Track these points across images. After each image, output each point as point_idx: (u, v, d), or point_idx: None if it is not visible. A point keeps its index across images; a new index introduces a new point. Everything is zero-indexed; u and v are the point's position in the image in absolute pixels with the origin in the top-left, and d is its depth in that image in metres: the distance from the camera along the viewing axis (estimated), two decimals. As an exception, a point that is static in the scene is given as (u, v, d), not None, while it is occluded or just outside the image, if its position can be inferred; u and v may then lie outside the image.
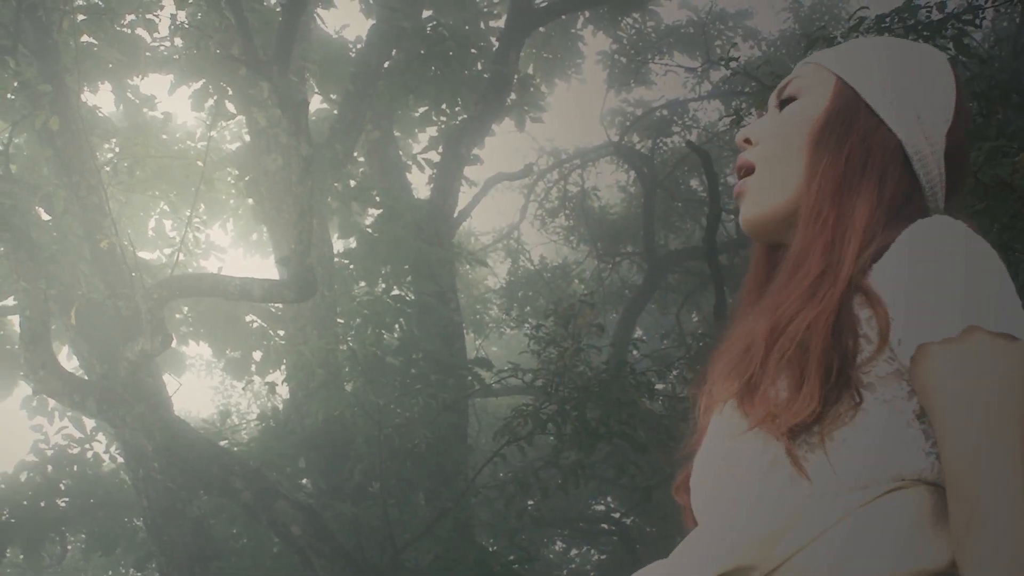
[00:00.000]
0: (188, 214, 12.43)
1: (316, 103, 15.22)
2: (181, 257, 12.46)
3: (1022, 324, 1.51)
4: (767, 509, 1.56)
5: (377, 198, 13.47)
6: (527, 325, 12.92)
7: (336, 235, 13.60)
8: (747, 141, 1.84)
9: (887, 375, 1.57)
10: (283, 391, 12.93)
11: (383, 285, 13.26)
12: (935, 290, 1.53)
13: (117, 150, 13.35)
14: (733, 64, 7.48)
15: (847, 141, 1.73)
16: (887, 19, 7.17)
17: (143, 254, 14.08)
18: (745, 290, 1.90)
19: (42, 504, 13.00)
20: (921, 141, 1.76)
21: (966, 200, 5.57)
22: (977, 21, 7.32)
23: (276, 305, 12.58)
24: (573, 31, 17.16)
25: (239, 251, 18.47)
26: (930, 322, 1.52)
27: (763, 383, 1.59)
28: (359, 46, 14.61)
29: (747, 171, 1.82)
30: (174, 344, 11.28)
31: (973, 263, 1.55)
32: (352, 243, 13.62)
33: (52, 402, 12.51)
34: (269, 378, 12.73)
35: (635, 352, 13.60)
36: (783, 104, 1.84)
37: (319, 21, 14.78)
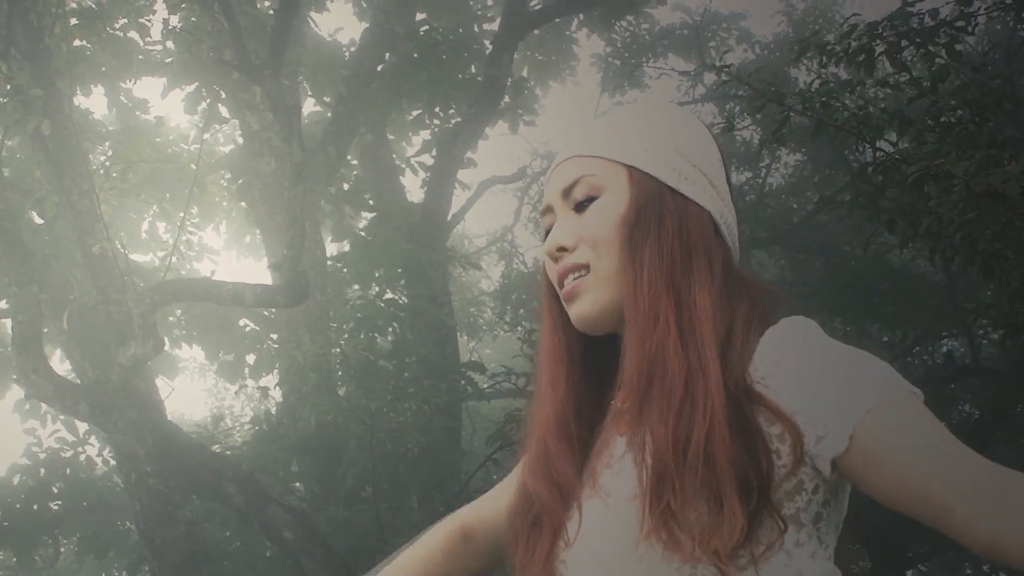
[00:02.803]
0: (181, 217, 12.42)
1: (309, 106, 15.23)
2: (174, 260, 12.45)
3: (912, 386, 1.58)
4: None
5: (370, 201, 13.46)
6: (520, 328, 12.91)
7: (329, 238, 13.59)
8: (562, 249, 1.76)
9: (791, 488, 1.58)
10: (276, 395, 12.92)
11: (376, 288, 13.25)
12: (844, 376, 1.56)
13: (110, 153, 13.33)
14: (725, 71, 7.46)
15: (665, 230, 1.69)
16: (879, 26, 7.16)
17: (136, 257, 14.08)
18: (552, 375, 1.82)
19: (35, 507, 12.98)
20: (720, 204, 1.76)
21: (958, 208, 5.57)
22: (970, 28, 7.32)
23: (269, 309, 12.57)
24: (567, 33, 17.15)
25: (232, 253, 18.47)
26: (856, 398, 1.54)
27: (684, 508, 1.56)
28: (352, 49, 14.61)
29: (576, 271, 1.75)
30: (167, 347, 11.27)
31: (849, 350, 1.61)
32: (345, 246, 13.62)
33: (45, 405, 12.49)
34: (262, 382, 12.72)
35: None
36: (580, 206, 1.76)
37: (312, 24, 14.78)
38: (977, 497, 1.45)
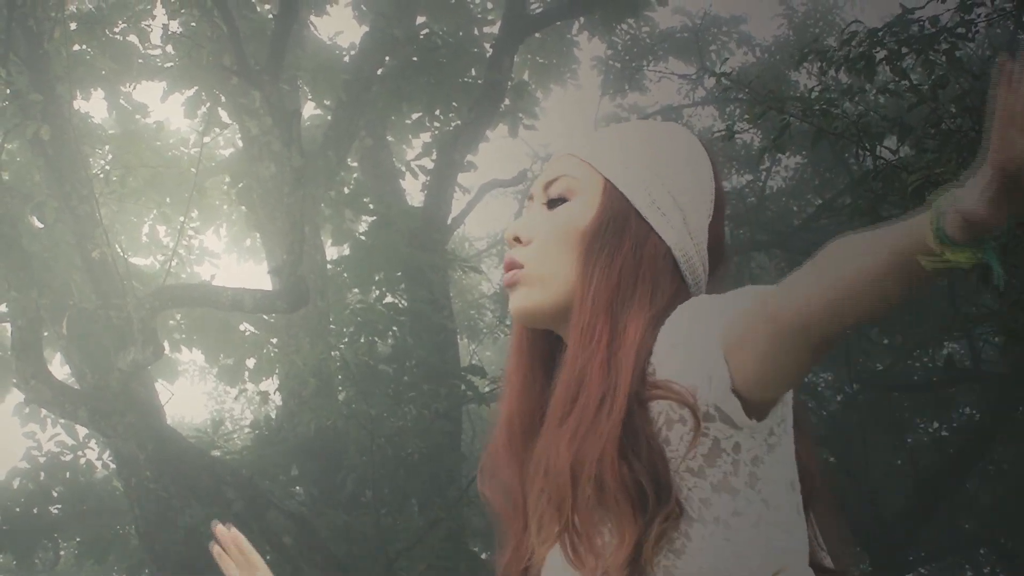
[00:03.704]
0: (181, 221, 12.41)
1: (310, 109, 15.22)
2: (174, 264, 12.44)
3: None
4: None
5: (370, 205, 13.45)
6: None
7: (329, 242, 13.58)
8: (517, 239, 1.79)
9: (708, 451, 1.57)
10: (276, 399, 12.91)
11: (376, 292, 13.23)
12: (708, 317, 1.59)
13: (110, 158, 13.33)
14: (725, 77, 7.46)
15: (619, 251, 1.71)
16: (879, 33, 7.15)
17: (137, 260, 14.06)
18: (509, 369, 1.85)
19: (35, 511, 12.99)
20: (688, 244, 1.76)
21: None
22: (970, 35, 7.30)
23: (269, 314, 12.56)
24: (568, 36, 17.12)
25: (233, 257, 18.41)
26: (718, 324, 1.56)
27: (584, 526, 1.58)
28: (352, 53, 14.60)
29: (516, 267, 1.78)
30: (167, 351, 11.27)
31: (720, 295, 1.64)
32: (345, 250, 13.60)
33: (44, 409, 12.49)
34: (262, 386, 12.71)
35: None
36: (552, 203, 1.79)
37: (312, 28, 14.76)
38: (787, 282, 1.50)
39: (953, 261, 1.31)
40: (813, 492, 1.71)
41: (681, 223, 1.75)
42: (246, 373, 12.98)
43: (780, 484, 1.61)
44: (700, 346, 1.56)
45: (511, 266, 1.77)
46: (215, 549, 2.03)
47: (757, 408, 1.56)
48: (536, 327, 1.79)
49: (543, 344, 1.82)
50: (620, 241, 1.72)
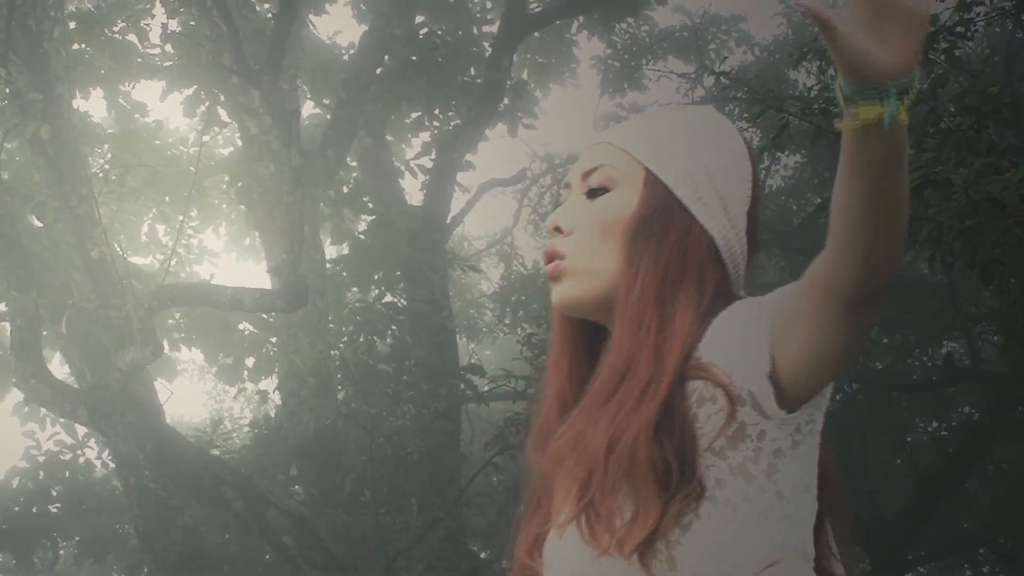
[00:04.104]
0: (180, 220, 12.41)
1: (309, 109, 15.22)
2: (173, 263, 12.44)
3: None
4: None
5: (369, 204, 13.45)
6: (520, 330, 12.89)
7: (328, 241, 13.58)
8: (558, 229, 1.80)
9: (733, 434, 1.59)
10: (276, 398, 12.91)
11: (375, 292, 13.23)
12: (755, 310, 1.63)
13: (109, 157, 13.34)
14: (725, 76, 7.45)
15: (664, 243, 1.72)
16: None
17: (136, 259, 14.07)
18: (555, 355, 1.87)
19: (34, 510, 13.00)
20: (729, 232, 1.77)
21: (956, 217, 5.55)
22: (969, 33, 7.30)
23: (269, 313, 12.56)
24: (567, 36, 17.13)
25: (232, 256, 18.41)
26: (767, 313, 1.59)
27: (604, 504, 1.60)
28: (352, 52, 14.60)
29: (558, 258, 1.79)
30: (166, 350, 11.27)
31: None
32: (344, 249, 13.60)
33: (44, 408, 12.49)
34: (261, 385, 12.71)
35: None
36: (592, 193, 1.80)
37: (311, 27, 14.76)
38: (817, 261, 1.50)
39: (863, 116, 1.33)
40: (833, 502, 1.73)
41: (722, 212, 1.76)
42: (245, 372, 12.98)
43: (797, 482, 1.62)
44: (748, 335, 1.59)
45: (553, 256, 1.79)
46: None
47: (790, 401, 1.58)
48: (581, 316, 1.81)
49: (585, 331, 1.84)
50: (665, 233, 1.73)
